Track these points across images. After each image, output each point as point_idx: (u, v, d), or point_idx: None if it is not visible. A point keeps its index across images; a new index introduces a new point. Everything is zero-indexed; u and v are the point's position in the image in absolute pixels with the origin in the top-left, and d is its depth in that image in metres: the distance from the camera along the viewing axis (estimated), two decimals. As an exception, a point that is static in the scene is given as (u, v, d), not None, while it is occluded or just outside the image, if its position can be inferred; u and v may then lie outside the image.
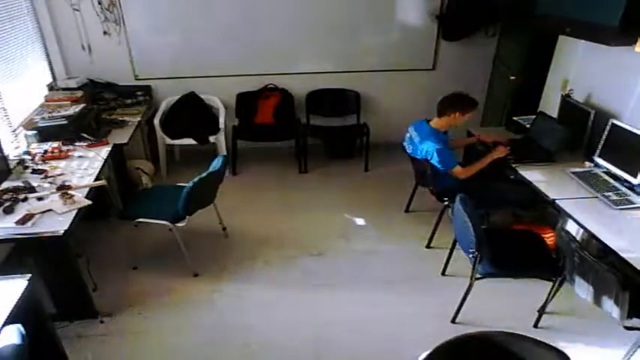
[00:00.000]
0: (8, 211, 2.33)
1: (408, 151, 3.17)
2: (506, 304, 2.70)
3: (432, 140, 2.90)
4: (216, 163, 2.94)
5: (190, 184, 2.72)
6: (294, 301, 2.75)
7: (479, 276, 2.41)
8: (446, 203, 3.06)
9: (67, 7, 3.92)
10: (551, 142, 3.01)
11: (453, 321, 2.58)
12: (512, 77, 3.91)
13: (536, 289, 2.59)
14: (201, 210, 3.01)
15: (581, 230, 2.33)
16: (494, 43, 4.39)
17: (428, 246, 3.23)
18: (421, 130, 3.02)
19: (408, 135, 3.16)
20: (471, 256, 2.38)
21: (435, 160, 2.90)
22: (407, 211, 3.67)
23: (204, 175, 2.79)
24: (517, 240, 2.72)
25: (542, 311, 2.52)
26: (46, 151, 3.00)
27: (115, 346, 2.44)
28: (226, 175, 4.26)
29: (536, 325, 2.54)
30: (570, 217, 2.36)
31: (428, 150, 2.92)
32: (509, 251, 2.57)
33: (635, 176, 2.54)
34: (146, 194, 3.32)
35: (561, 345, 1.48)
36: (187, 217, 2.86)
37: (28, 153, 2.99)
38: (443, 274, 2.97)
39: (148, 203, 3.02)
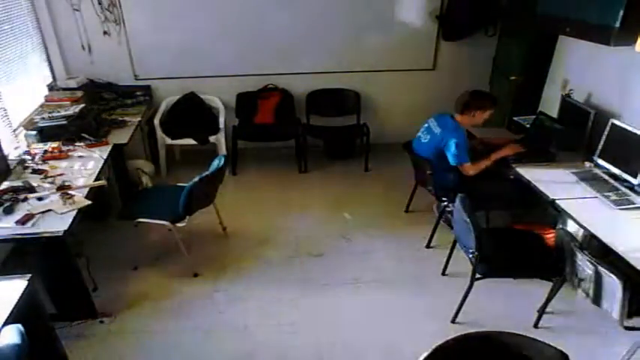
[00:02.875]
0: (8, 211, 2.33)
1: (416, 146, 3.15)
2: (506, 304, 2.70)
3: (453, 132, 2.92)
4: (217, 163, 2.94)
5: (190, 183, 2.72)
6: (294, 301, 2.75)
7: (479, 276, 2.41)
8: (445, 204, 3.06)
9: (67, 7, 3.92)
10: (551, 142, 3.01)
11: (453, 321, 2.57)
12: (513, 77, 3.91)
13: (536, 289, 2.59)
14: (202, 210, 3.01)
15: (581, 230, 2.33)
16: (494, 43, 4.39)
17: (428, 246, 3.23)
18: (444, 121, 3.02)
19: (425, 125, 3.14)
20: (471, 256, 2.38)
21: (450, 152, 2.91)
22: (407, 211, 3.67)
23: (204, 175, 2.79)
24: (517, 240, 2.72)
25: (542, 311, 2.52)
26: (46, 151, 3.00)
27: (115, 346, 2.44)
28: (226, 175, 4.28)
29: (536, 325, 2.54)
30: (570, 217, 2.36)
31: (447, 142, 2.91)
32: (509, 251, 2.57)
33: (635, 176, 2.54)
34: (146, 194, 3.32)
35: (561, 345, 1.48)
36: (187, 217, 2.86)
37: (28, 153, 2.99)
38: (443, 274, 2.96)
39: (147, 203, 3.02)
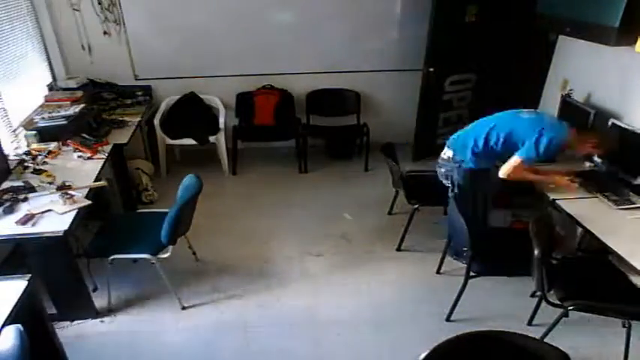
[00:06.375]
0: (8, 211, 2.33)
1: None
2: (500, 302, 2.71)
3: (551, 129, 2.42)
4: (191, 184, 2.59)
5: (175, 209, 2.41)
6: (293, 301, 2.76)
7: (473, 274, 2.42)
8: (415, 206, 3.08)
9: (67, 8, 3.93)
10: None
11: (448, 319, 2.59)
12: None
13: (532, 287, 2.58)
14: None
15: (581, 230, 2.33)
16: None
17: (398, 249, 3.23)
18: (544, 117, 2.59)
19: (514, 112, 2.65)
20: (465, 254, 2.38)
21: (526, 145, 2.44)
22: (390, 213, 3.66)
23: (186, 199, 2.48)
24: (513, 239, 2.71)
25: (536, 309, 2.52)
26: (46, 151, 3.00)
27: (115, 346, 2.44)
28: (226, 175, 4.29)
29: (530, 323, 2.55)
30: (570, 217, 2.36)
31: (528, 131, 2.44)
32: (504, 250, 2.57)
33: (635, 176, 2.54)
34: (116, 224, 2.91)
35: (561, 344, 1.48)
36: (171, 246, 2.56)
37: (28, 153, 2.99)
38: (438, 272, 2.98)
39: (120, 235, 2.68)
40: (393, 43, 4.40)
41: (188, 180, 2.65)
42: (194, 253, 3.10)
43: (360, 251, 3.22)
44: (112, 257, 2.52)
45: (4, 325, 1.63)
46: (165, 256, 2.57)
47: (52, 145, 3.07)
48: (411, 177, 3.33)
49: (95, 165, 2.89)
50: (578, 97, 3.22)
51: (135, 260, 2.92)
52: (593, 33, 2.65)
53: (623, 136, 2.64)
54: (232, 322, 2.60)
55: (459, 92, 4.47)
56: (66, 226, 2.22)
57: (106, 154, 3.03)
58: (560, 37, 3.50)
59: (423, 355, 1.42)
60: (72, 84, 3.91)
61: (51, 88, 3.91)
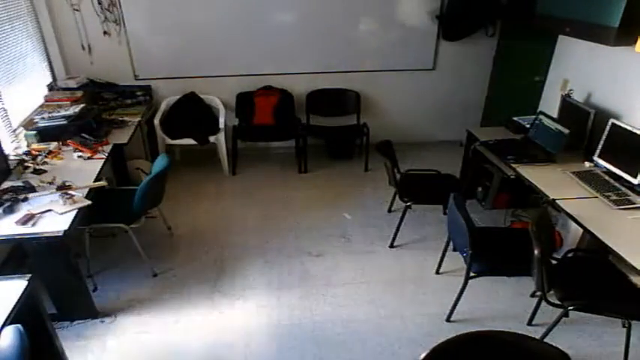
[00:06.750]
0: (8, 211, 2.33)
1: None
2: (501, 302, 2.71)
3: None
4: (161, 162, 2.89)
5: (143, 183, 2.72)
6: (293, 301, 2.75)
7: (473, 274, 2.42)
8: (407, 204, 3.09)
9: (67, 7, 3.92)
10: (551, 143, 3.00)
11: (448, 319, 2.59)
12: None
13: (532, 287, 2.58)
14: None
15: (581, 230, 2.33)
16: (494, 43, 4.40)
17: (391, 245, 3.24)
18: None
19: None
20: (465, 254, 2.38)
21: None
22: (389, 210, 3.66)
23: (153, 174, 2.78)
24: (513, 238, 2.72)
25: (536, 309, 2.52)
26: (46, 151, 3.00)
27: (115, 346, 2.44)
28: (226, 175, 4.29)
29: (530, 323, 2.55)
30: (570, 217, 2.36)
31: None
32: (504, 249, 2.58)
33: (635, 176, 2.54)
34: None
35: (561, 344, 1.48)
36: (143, 217, 2.84)
37: (28, 153, 2.99)
38: (437, 272, 2.98)
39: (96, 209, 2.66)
40: (393, 43, 4.40)
41: (159, 159, 2.95)
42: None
43: (360, 251, 3.22)
44: (90, 226, 2.76)
45: (4, 325, 1.63)
46: (137, 226, 2.79)
47: (52, 145, 3.08)
48: (409, 176, 3.34)
49: (95, 165, 2.89)
50: (578, 97, 3.22)
51: (114, 234, 3.08)
52: (593, 33, 2.65)
53: (623, 136, 2.64)
54: (232, 322, 2.60)
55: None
56: (66, 226, 2.22)
57: (106, 154, 3.03)
58: (560, 37, 3.51)
59: (423, 355, 1.42)
60: (72, 84, 3.91)
61: (51, 88, 3.91)
